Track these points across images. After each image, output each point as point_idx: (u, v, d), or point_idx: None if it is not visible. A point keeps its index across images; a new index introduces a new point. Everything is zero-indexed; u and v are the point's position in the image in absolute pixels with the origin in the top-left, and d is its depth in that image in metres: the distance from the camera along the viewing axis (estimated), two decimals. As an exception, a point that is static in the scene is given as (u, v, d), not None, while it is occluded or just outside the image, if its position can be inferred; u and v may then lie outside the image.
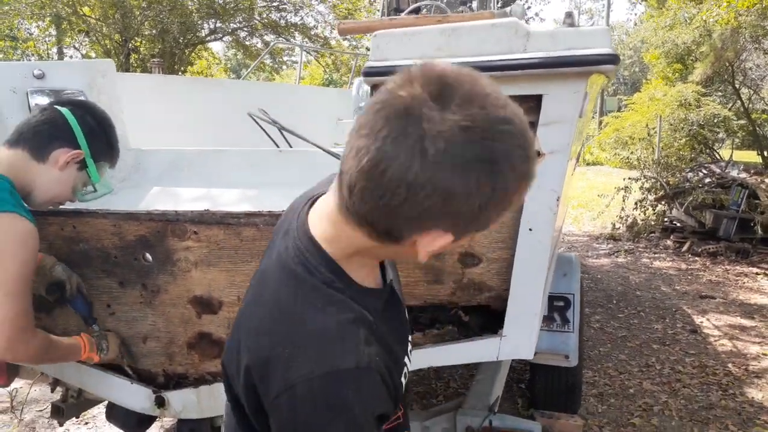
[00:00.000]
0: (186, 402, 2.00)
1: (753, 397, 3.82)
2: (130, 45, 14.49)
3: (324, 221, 0.92)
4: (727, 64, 17.24)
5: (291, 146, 2.78)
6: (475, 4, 5.02)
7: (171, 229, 1.84)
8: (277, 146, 2.77)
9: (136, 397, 2.01)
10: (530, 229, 1.67)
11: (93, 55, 16.11)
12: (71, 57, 18.14)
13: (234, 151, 2.31)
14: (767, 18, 14.06)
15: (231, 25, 15.96)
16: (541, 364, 3.06)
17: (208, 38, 16.57)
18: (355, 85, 1.83)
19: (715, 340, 4.85)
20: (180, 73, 15.35)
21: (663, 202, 8.94)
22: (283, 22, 16.16)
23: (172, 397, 1.99)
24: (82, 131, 1.78)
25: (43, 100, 2.10)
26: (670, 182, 8.94)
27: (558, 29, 1.36)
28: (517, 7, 1.68)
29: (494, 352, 1.89)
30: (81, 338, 1.86)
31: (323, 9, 16.71)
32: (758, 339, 4.88)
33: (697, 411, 3.63)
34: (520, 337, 1.86)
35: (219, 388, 1.96)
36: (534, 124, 1.47)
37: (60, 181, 1.77)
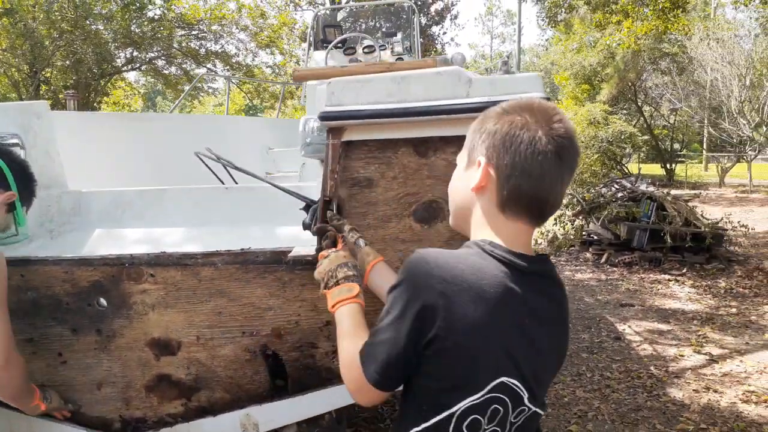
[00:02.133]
0: (145, 446, 1.98)
1: (675, 396, 4.12)
2: (41, 76, 13.88)
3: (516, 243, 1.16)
4: (630, 84, 18.53)
5: (236, 182, 2.80)
6: (399, 36, 5.23)
7: (126, 272, 1.84)
8: (222, 183, 2.78)
9: (92, 445, 1.98)
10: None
11: (-2, 87, 15.30)
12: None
13: (176, 189, 2.31)
14: (663, 41, 15.25)
15: (148, 54, 15.61)
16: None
17: (125, 68, 16.12)
18: (301, 121, 1.90)
19: (637, 345, 5.19)
20: (96, 104, 14.83)
21: (580, 217, 9.45)
22: (203, 50, 15.97)
23: (130, 442, 1.97)
24: (12, 175, 1.81)
25: (-24, 146, 2.06)
26: (586, 198, 9.47)
27: (496, 77, 1.50)
28: (457, 56, 1.83)
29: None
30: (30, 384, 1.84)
31: (244, 36, 16.67)
32: (675, 341, 5.26)
33: (627, 413, 3.88)
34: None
35: (179, 429, 1.96)
36: (478, 161, 1.60)
37: None
